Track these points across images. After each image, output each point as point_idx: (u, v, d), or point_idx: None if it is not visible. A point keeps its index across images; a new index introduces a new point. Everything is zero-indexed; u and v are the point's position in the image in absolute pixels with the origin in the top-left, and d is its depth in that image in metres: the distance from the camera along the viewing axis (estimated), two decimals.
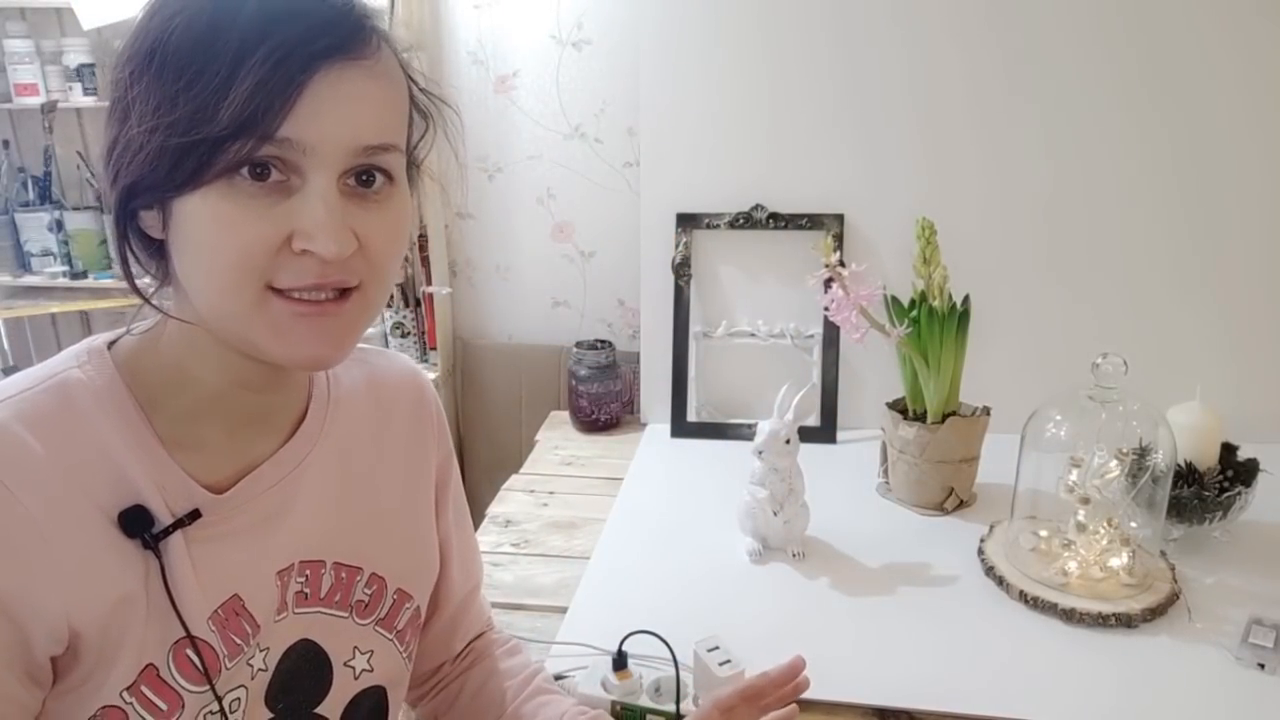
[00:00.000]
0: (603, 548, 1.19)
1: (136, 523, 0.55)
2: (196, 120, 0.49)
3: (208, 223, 0.51)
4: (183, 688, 0.57)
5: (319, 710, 0.66)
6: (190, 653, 0.57)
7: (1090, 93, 1.39)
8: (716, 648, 0.84)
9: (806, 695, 0.89)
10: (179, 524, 0.56)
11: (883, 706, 0.89)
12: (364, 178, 0.54)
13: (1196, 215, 1.41)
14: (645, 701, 0.83)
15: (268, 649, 0.62)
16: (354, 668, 0.67)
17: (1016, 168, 1.43)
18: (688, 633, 0.85)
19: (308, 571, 0.64)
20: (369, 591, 0.68)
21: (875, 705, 0.89)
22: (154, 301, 0.57)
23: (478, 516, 1.30)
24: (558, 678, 0.92)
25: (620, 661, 0.85)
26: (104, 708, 0.55)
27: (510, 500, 1.36)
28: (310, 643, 0.65)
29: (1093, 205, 1.43)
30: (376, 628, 0.69)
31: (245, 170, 0.50)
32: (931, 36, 1.41)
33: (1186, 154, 1.39)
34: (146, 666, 0.56)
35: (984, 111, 1.42)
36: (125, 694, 0.55)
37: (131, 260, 0.56)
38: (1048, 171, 1.43)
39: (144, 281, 0.57)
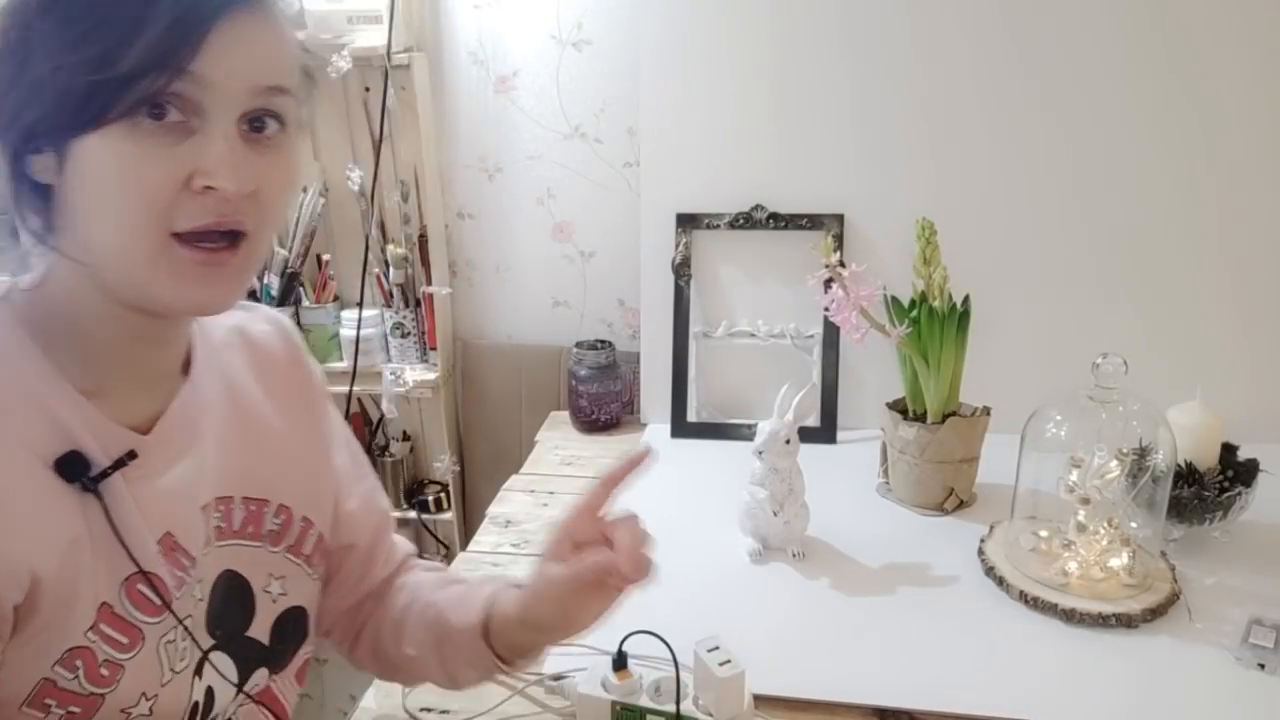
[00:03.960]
0: None
1: (74, 467, 0.57)
2: (106, 58, 0.50)
3: (110, 163, 0.52)
4: (140, 620, 0.60)
5: (250, 634, 0.69)
6: (143, 587, 0.59)
7: (1091, 92, 1.39)
8: (716, 648, 0.84)
9: (807, 695, 0.90)
10: (119, 464, 0.58)
11: (883, 706, 0.89)
12: (256, 123, 0.56)
13: (1197, 215, 1.41)
14: (645, 701, 0.83)
15: (202, 580, 0.65)
16: (271, 593, 0.71)
17: (1017, 168, 1.43)
18: (688, 633, 0.85)
19: (222, 507, 0.68)
20: (278, 521, 0.72)
21: (875, 705, 0.89)
22: (49, 246, 0.58)
23: (478, 516, 1.30)
24: (558, 678, 0.92)
25: (620, 661, 0.85)
26: (71, 649, 0.56)
27: (510, 500, 1.36)
28: (233, 573, 0.68)
29: (1093, 205, 1.43)
30: (287, 554, 0.72)
31: (145, 109, 0.52)
32: (932, 36, 1.41)
33: (1185, 153, 1.39)
34: (101, 605, 0.58)
35: (984, 112, 1.42)
36: (89, 634, 0.57)
37: (19, 208, 0.56)
38: (1048, 171, 1.43)
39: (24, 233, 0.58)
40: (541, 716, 0.91)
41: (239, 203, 0.55)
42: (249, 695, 0.69)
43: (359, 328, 1.68)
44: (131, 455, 0.59)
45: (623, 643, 0.85)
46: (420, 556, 0.90)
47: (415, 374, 1.70)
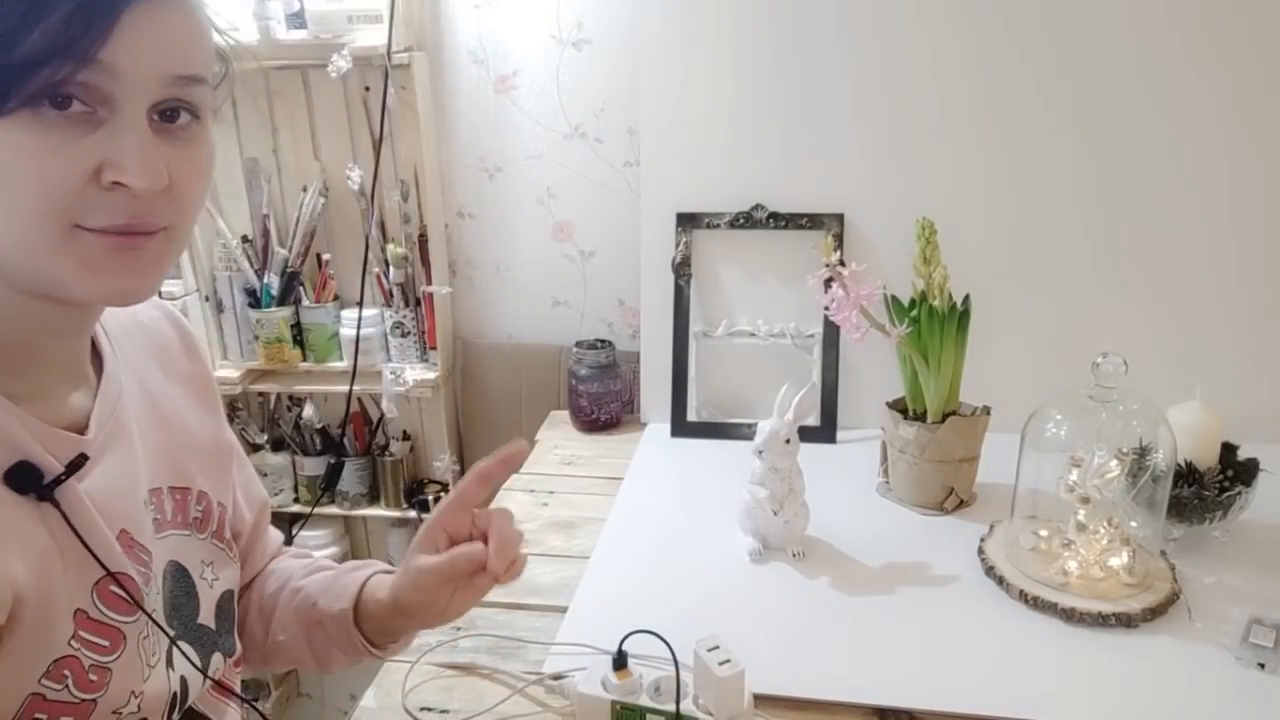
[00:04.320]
0: (603, 548, 1.19)
1: (26, 478, 0.55)
2: (3, 43, 0.47)
3: (8, 155, 0.49)
4: (118, 621, 0.59)
5: (201, 621, 0.70)
6: (114, 588, 0.59)
7: (1091, 92, 1.39)
8: (716, 647, 0.84)
9: (807, 695, 0.90)
10: (73, 469, 0.57)
11: (883, 706, 0.89)
12: (168, 113, 0.54)
13: (1197, 215, 1.41)
14: (645, 701, 0.83)
15: (156, 574, 0.65)
16: (207, 579, 0.72)
17: (1017, 167, 1.43)
18: (688, 633, 0.85)
19: (155, 499, 0.67)
20: (200, 508, 0.72)
21: (875, 705, 0.89)
22: None
23: None
24: (558, 677, 0.92)
25: (620, 661, 0.85)
26: (57, 660, 0.56)
27: (510, 500, 1.36)
28: (176, 563, 0.69)
29: (1093, 205, 1.43)
30: (212, 540, 0.74)
31: (47, 100, 0.49)
32: (932, 36, 1.41)
33: (1186, 153, 1.39)
34: (76, 612, 0.57)
35: (985, 111, 1.42)
36: (72, 642, 0.57)
37: None
38: (1049, 171, 1.43)
39: None
40: (541, 716, 0.91)
41: (152, 199, 0.53)
42: (213, 680, 0.70)
43: (359, 327, 1.68)
44: (83, 458, 0.58)
45: (623, 642, 0.85)
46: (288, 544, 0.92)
47: (415, 374, 1.70)
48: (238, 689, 0.75)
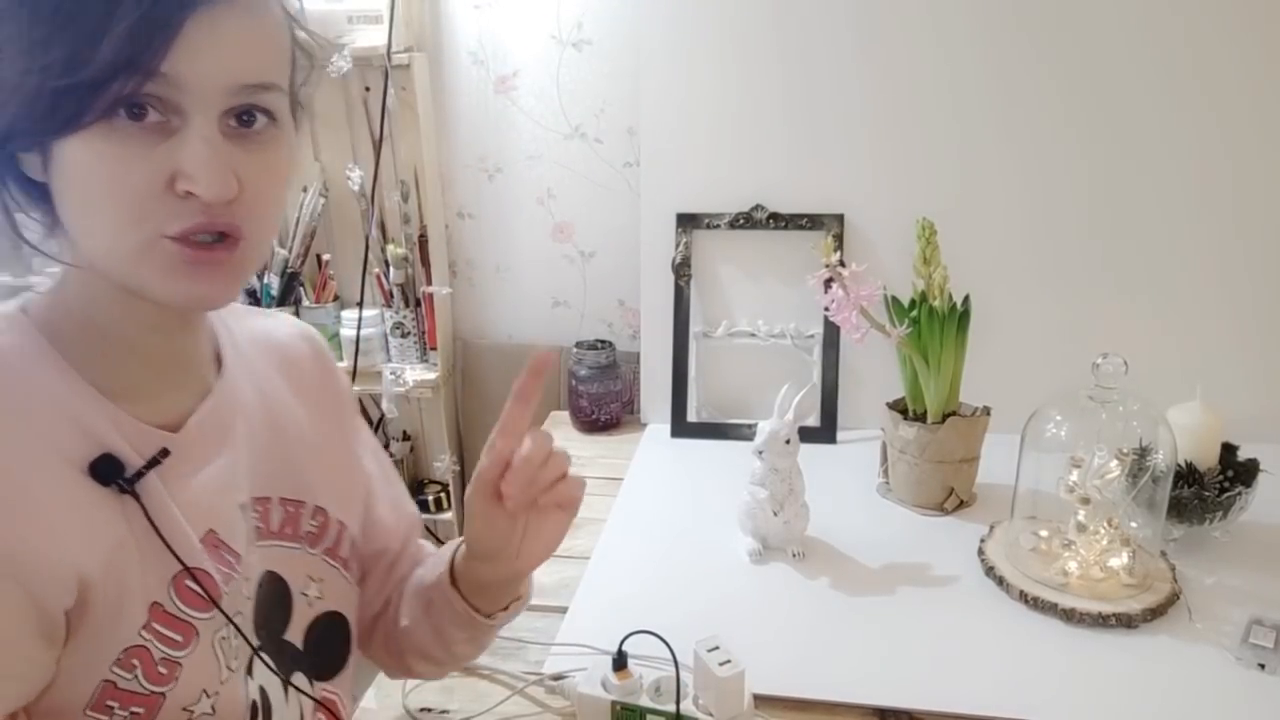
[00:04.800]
0: (603, 548, 1.19)
1: (108, 470, 0.56)
2: (74, 61, 0.49)
3: (90, 164, 0.51)
4: (192, 617, 0.59)
5: (286, 637, 0.69)
6: (190, 583, 0.59)
7: (1092, 92, 1.39)
8: (716, 648, 0.84)
9: (807, 695, 0.90)
10: (154, 463, 0.58)
11: (883, 706, 0.89)
12: (244, 117, 0.54)
13: (1197, 215, 1.41)
14: (645, 701, 0.83)
15: (249, 578, 0.65)
16: (308, 595, 0.70)
17: (1017, 167, 1.43)
18: (688, 633, 0.85)
19: (259, 507, 0.67)
20: (315, 523, 0.71)
21: (875, 705, 0.89)
22: (45, 250, 0.57)
23: None
24: (558, 678, 0.93)
25: (620, 661, 0.85)
26: (127, 649, 0.56)
27: None
28: (274, 574, 0.68)
29: (1093, 205, 1.43)
30: (325, 556, 0.72)
31: (123, 111, 0.50)
32: (932, 37, 1.41)
33: (1185, 152, 1.39)
34: (152, 605, 0.57)
35: (984, 112, 1.42)
36: (143, 632, 0.57)
37: (14, 208, 0.55)
38: (1049, 171, 1.43)
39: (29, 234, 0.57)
40: (541, 716, 0.91)
41: (226, 204, 0.53)
42: (312, 698, 0.69)
43: (359, 328, 1.68)
44: (164, 453, 0.59)
45: (623, 643, 0.85)
46: None
47: (415, 374, 1.70)
48: (347, 716, 0.74)
